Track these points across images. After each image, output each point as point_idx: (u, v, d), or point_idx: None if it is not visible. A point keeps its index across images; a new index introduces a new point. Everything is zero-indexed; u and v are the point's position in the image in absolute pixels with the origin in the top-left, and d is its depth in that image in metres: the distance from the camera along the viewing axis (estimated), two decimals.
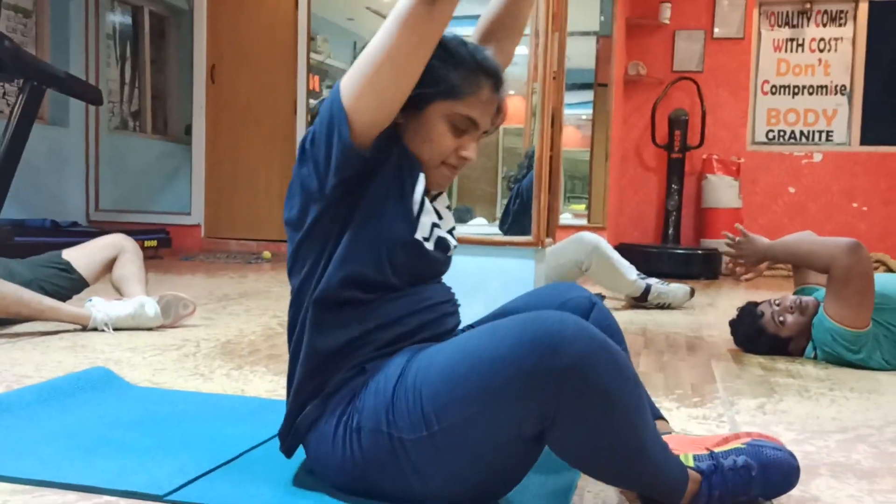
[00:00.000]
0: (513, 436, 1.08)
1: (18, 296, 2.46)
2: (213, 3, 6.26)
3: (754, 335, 2.67)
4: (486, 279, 2.40)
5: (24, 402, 1.68)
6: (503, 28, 1.43)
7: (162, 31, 7.15)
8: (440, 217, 1.31)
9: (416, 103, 1.20)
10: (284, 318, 3.15)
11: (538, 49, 2.37)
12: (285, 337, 2.70)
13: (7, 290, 2.44)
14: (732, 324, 2.77)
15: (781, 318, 2.62)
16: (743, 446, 1.27)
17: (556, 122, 2.67)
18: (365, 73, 1.13)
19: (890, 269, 5.72)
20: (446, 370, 1.09)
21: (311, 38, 6.15)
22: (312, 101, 6.38)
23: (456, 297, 1.37)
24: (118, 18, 6.84)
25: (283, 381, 2.08)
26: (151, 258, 5.41)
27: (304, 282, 1.22)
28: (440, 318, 1.29)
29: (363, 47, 1.15)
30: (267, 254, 5.94)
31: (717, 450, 1.28)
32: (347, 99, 1.14)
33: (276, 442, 1.47)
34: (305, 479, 1.28)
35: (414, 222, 1.23)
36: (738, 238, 2.75)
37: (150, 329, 2.69)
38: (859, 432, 1.77)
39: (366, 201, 1.20)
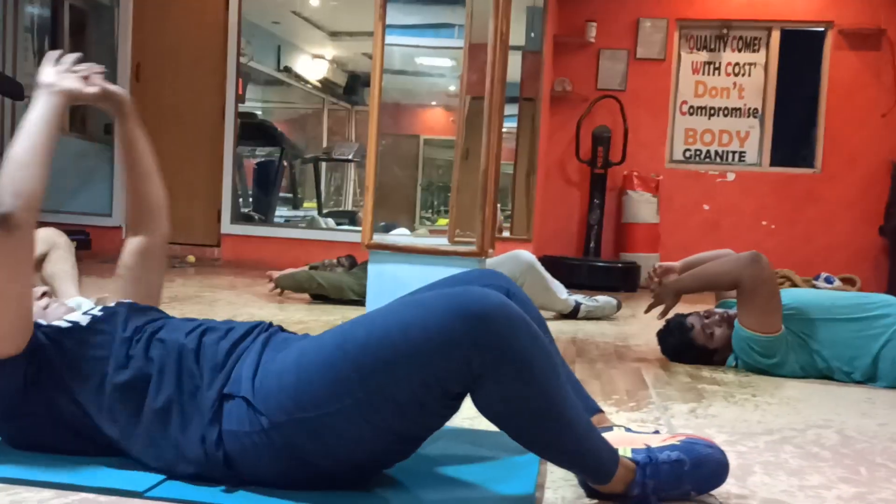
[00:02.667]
0: (438, 394, 1.18)
1: None
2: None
3: (684, 347, 2.80)
4: None
5: None
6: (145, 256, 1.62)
7: (82, 26, 6.94)
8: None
9: None
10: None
11: (489, 63, 2.44)
12: None
13: None
14: (661, 335, 2.90)
15: (710, 331, 2.77)
16: (677, 443, 1.37)
17: (497, 136, 2.76)
18: None
19: (795, 285, 6.04)
20: (372, 339, 1.18)
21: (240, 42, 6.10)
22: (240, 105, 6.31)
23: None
24: (37, 11, 6.62)
25: None
26: None
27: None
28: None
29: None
30: (191, 258, 5.83)
31: (653, 445, 1.37)
32: None
33: None
34: None
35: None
36: (653, 285, 2.93)
37: None
38: (784, 434, 1.90)
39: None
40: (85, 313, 1.40)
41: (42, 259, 2.72)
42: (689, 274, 2.85)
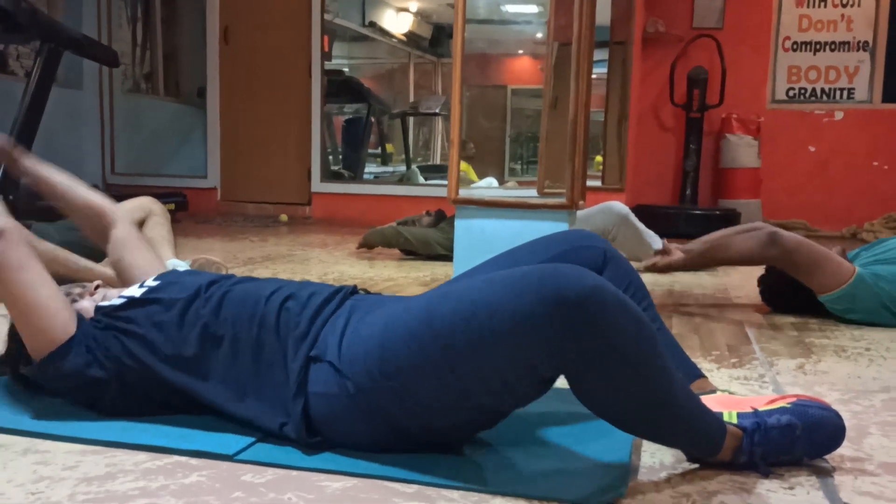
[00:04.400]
0: (529, 379, 1.14)
1: (54, 254, 2.44)
2: None
3: (788, 288, 2.63)
4: (520, 242, 2.38)
5: None
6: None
7: None
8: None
9: None
10: (313, 281, 3.14)
11: (575, 5, 2.32)
12: None
13: (43, 248, 2.42)
14: (763, 278, 2.76)
15: None
16: (788, 406, 1.28)
17: (588, 84, 2.64)
18: None
19: None
20: (458, 318, 1.11)
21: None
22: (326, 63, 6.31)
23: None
24: None
25: None
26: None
27: None
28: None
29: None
30: (284, 217, 5.93)
31: (761, 408, 1.28)
32: None
33: None
34: None
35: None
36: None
37: None
38: None
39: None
40: (140, 286, 1.42)
41: (140, 226, 2.81)
42: (699, 253, 2.74)
